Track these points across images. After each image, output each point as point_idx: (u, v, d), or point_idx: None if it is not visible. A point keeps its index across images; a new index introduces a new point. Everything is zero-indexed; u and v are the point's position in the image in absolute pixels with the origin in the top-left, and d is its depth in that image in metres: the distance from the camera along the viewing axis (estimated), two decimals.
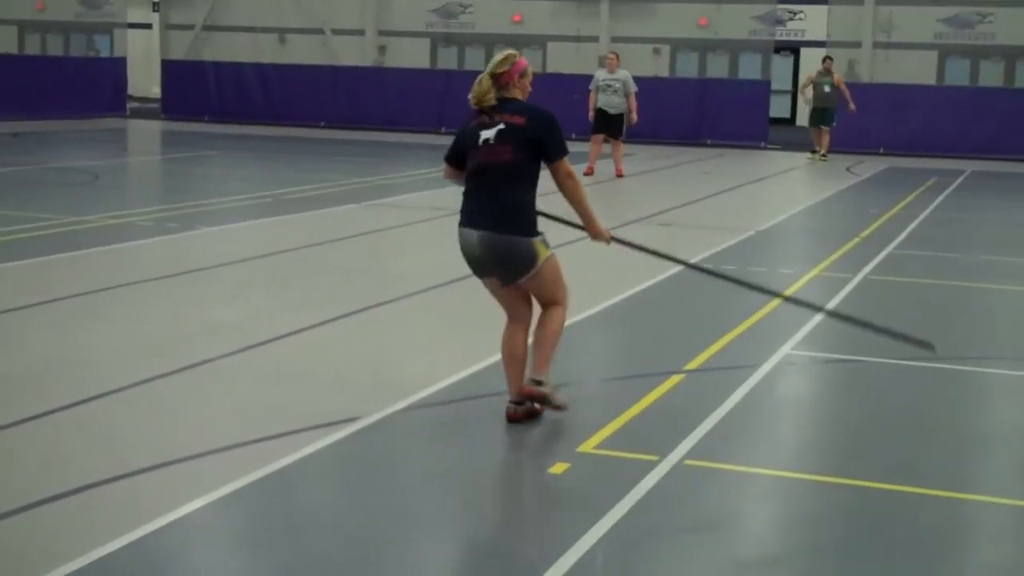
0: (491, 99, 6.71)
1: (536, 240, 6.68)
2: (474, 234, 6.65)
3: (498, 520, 5.49)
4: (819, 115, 25.70)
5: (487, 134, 6.67)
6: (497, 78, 6.73)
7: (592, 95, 21.02)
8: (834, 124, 25.71)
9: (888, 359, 8.56)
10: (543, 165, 6.72)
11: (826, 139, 25.78)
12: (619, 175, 20.67)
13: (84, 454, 6.13)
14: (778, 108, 34.75)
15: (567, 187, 6.72)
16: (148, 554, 4.93)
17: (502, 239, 6.62)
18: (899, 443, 6.80)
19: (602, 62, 23.83)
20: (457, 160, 6.86)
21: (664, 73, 35.49)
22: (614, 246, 7.13)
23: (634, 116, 20.88)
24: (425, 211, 15.72)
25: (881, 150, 27.60)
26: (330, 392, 7.33)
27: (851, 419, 7.32)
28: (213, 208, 15.72)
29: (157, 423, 6.72)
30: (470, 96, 6.73)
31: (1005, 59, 34.03)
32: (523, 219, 6.69)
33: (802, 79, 25.60)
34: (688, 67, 36.58)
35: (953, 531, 5.55)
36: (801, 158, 26.19)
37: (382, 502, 5.62)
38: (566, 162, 6.70)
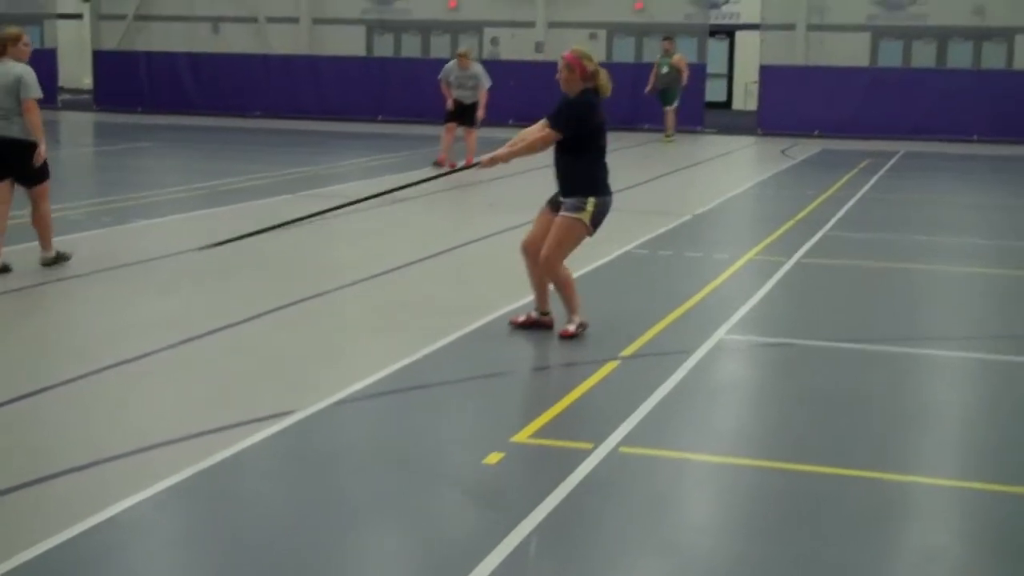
0: None
1: None
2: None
3: (433, 511, 5.50)
4: (661, 96, 26.14)
5: None
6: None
7: (444, 87, 20.50)
8: (676, 104, 26.23)
9: (821, 342, 8.66)
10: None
11: (670, 119, 26.22)
12: (469, 164, 20.04)
13: (14, 453, 6.06)
14: (714, 92, 34.96)
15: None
16: (82, 554, 4.89)
17: None
18: (833, 426, 6.88)
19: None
20: (589, 136, 8.39)
21: (601, 58, 35.48)
22: None
23: (481, 112, 20.04)
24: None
25: (816, 132, 27.84)
26: (265, 386, 7.30)
27: (785, 403, 7.40)
28: (147, 201, 15.57)
29: (90, 420, 6.66)
30: (609, 87, 8.66)
31: (937, 40, 34.36)
32: None
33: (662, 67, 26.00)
34: (625, 52, 36.64)
35: (885, 512, 5.61)
36: (738, 141, 26.32)
37: (318, 495, 5.61)
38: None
